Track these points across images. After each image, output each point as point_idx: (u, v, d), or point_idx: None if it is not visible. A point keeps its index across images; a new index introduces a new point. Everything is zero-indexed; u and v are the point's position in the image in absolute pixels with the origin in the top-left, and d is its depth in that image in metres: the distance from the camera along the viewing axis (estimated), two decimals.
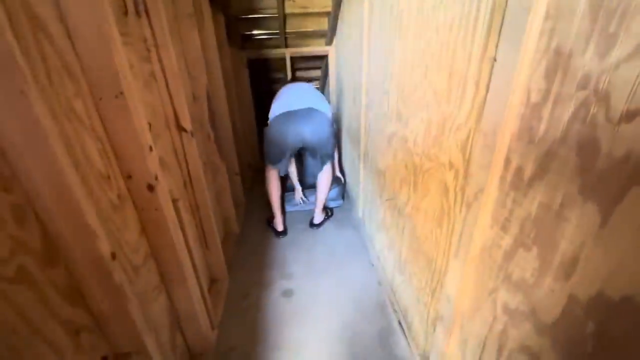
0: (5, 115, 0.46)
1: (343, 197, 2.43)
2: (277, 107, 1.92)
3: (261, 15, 2.30)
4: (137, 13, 0.94)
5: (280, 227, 2.08)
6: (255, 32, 2.57)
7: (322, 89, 3.44)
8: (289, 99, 1.94)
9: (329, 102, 3.20)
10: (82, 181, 0.58)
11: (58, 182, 0.54)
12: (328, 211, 2.28)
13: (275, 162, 1.96)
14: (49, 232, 0.56)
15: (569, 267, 0.48)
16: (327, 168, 2.02)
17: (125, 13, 0.88)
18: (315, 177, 2.09)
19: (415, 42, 1.00)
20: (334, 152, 2.10)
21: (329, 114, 1.96)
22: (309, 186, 2.43)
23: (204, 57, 1.59)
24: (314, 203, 2.17)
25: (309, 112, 1.85)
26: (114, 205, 0.75)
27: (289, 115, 1.85)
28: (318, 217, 2.16)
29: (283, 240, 2.04)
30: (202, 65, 1.53)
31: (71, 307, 0.60)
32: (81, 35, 0.65)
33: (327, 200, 2.22)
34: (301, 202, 2.35)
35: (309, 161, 2.48)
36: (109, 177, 0.74)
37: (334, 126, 2.05)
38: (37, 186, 0.53)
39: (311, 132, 1.84)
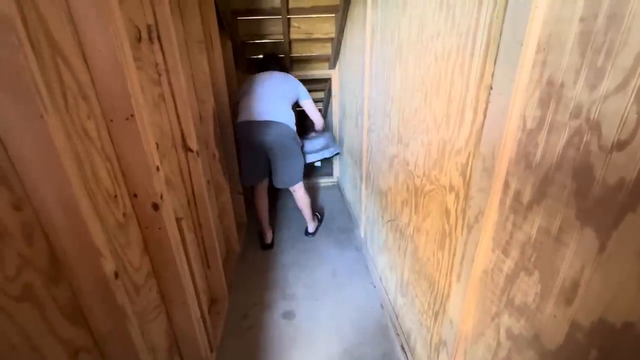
0: (22, 138, 0.49)
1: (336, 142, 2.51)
2: (242, 111, 1.91)
3: (267, 41, 2.39)
4: (150, 39, 0.99)
5: (267, 240, 2.17)
6: (261, 56, 2.66)
7: (325, 110, 3.51)
8: (252, 103, 1.89)
9: (325, 111, 3.37)
10: (90, 200, 0.60)
11: (67, 201, 0.55)
12: (318, 215, 2.44)
13: (250, 179, 2.02)
14: (55, 250, 0.57)
15: (570, 293, 0.48)
16: (298, 192, 2.10)
17: (139, 39, 0.93)
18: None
19: (415, 69, 1.04)
20: (298, 167, 2.05)
21: (291, 124, 1.93)
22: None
23: (212, 80, 1.65)
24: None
25: (267, 124, 1.84)
26: (120, 223, 0.76)
27: (250, 125, 1.86)
28: (311, 226, 2.29)
29: (284, 260, 2.03)
30: (210, 88, 1.58)
31: (72, 326, 0.60)
32: (97, 61, 0.68)
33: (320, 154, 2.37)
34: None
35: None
36: (115, 196, 0.76)
37: (297, 139, 2.02)
38: (46, 204, 0.54)
39: (269, 134, 1.85)
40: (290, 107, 1.96)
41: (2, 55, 0.45)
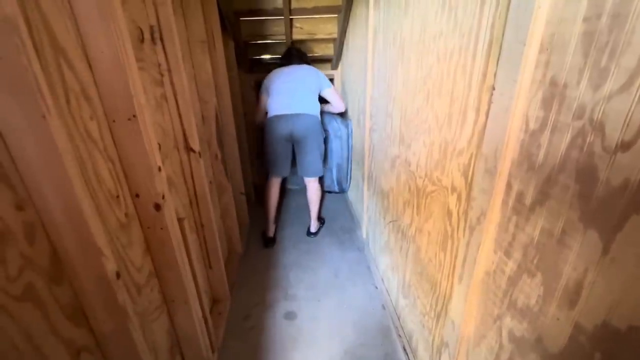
0: (25, 138, 0.49)
1: (339, 182, 2.59)
2: (273, 107, 2.04)
3: (270, 41, 2.39)
4: (153, 40, 0.99)
5: (269, 233, 2.20)
6: (263, 56, 2.66)
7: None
8: (283, 99, 2.02)
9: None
10: (92, 200, 0.60)
11: (69, 201, 0.55)
12: (322, 220, 2.44)
13: (282, 171, 2.12)
14: (57, 250, 0.57)
15: (573, 295, 0.47)
16: (314, 185, 2.17)
17: (142, 40, 0.93)
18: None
19: (417, 69, 1.03)
20: (322, 161, 2.18)
21: (319, 116, 2.09)
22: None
23: (214, 81, 1.65)
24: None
25: (298, 116, 1.99)
26: (122, 224, 0.77)
27: (281, 118, 2.00)
28: (314, 226, 2.31)
29: (286, 260, 2.03)
30: (212, 88, 1.59)
31: (74, 326, 0.61)
32: (99, 61, 0.69)
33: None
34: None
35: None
36: (118, 197, 0.76)
37: (323, 132, 2.16)
38: (48, 204, 0.54)
39: (300, 125, 1.99)
40: (317, 99, 2.09)
41: (5, 56, 0.45)
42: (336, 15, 2.22)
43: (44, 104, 0.49)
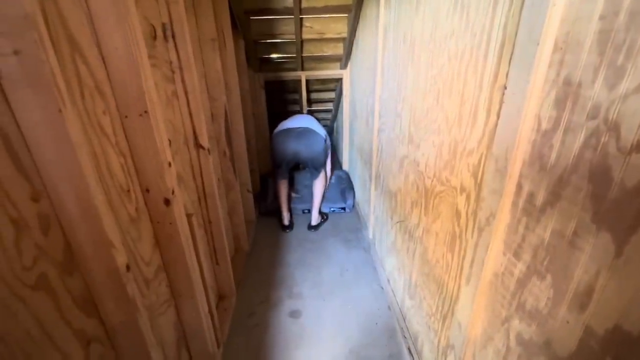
0: (41, 131, 0.50)
1: (346, 200, 2.59)
2: (280, 125, 2.35)
3: (279, 40, 2.40)
4: (165, 38, 1.01)
5: (285, 222, 2.36)
6: (273, 55, 2.67)
7: (336, 110, 3.51)
8: (291, 121, 2.35)
9: (331, 126, 3.78)
10: (104, 194, 0.61)
11: (82, 194, 0.56)
12: (324, 215, 2.48)
13: (279, 165, 2.32)
14: (69, 241, 0.58)
15: (584, 298, 0.47)
16: (321, 175, 2.32)
17: (154, 37, 0.94)
18: (307, 186, 2.52)
19: (427, 69, 1.03)
20: (326, 161, 2.41)
21: (323, 134, 2.31)
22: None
23: (224, 79, 1.66)
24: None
25: (304, 131, 2.23)
26: (132, 218, 0.78)
27: (288, 132, 2.24)
28: (314, 219, 2.38)
29: (291, 259, 2.03)
30: (222, 86, 1.60)
31: (85, 316, 0.62)
32: (113, 58, 0.70)
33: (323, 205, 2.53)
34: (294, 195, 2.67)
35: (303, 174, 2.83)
36: (129, 191, 0.77)
37: (327, 142, 2.36)
38: (62, 197, 0.55)
39: (305, 147, 2.21)
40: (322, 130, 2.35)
41: (24, 51, 0.46)
42: (346, 15, 2.21)
43: (60, 98, 0.50)
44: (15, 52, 0.46)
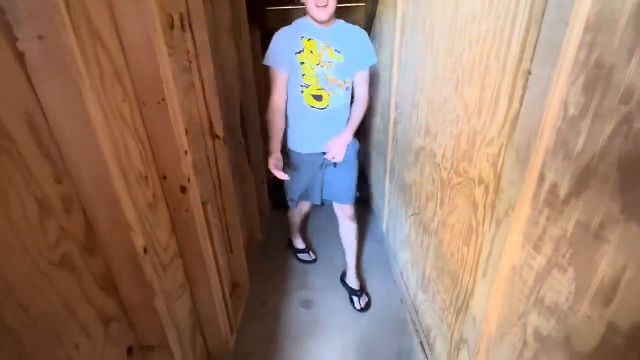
0: (64, 114, 0.52)
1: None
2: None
3: None
4: (182, 27, 1.01)
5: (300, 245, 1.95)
6: None
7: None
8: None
9: None
10: (123, 179, 0.63)
11: (102, 178, 0.58)
12: (367, 295, 1.64)
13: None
14: (91, 223, 0.60)
15: (609, 293, 0.44)
16: (349, 208, 1.61)
17: (172, 27, 0.95)
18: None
19: (447, 56, 0.99)
20: (355, 192, 1.64)
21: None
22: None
23: (240, 69, 1.67)
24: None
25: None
26: (150, 204, 0.80)
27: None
28: (354, 283, 1.64)
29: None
30: (238, 76, 1.61)
31: (106, 296, 0.64)
32: (132, 46, 0.71)
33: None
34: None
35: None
36: (147, 178, 0.79)
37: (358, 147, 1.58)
38: (83, 180, 0.57)
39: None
40: None
41: (48, 36, 0.48)
42: (364, 5, 2.17)
43: (82, 82, 0.51)
44: (40, 37, 0.48)
